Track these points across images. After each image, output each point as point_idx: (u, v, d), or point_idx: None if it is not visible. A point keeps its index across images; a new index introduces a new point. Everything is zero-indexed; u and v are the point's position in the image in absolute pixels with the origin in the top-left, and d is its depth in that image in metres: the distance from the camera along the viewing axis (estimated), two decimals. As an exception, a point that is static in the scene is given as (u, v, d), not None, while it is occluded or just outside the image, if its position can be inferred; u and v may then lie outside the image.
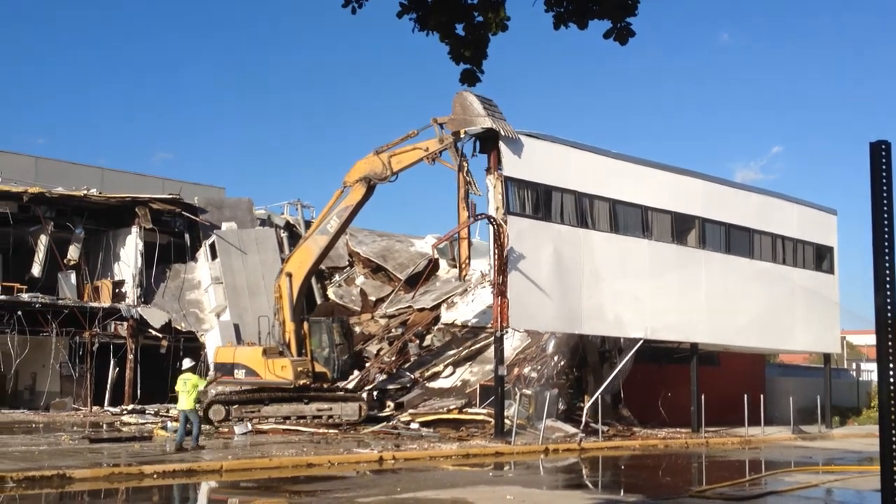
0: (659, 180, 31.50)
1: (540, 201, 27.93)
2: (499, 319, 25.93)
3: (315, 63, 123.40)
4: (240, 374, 27.17)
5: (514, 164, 26.97)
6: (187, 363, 21.78)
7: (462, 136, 26.43)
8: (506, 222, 26.34)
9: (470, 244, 27.78)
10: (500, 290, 26.03)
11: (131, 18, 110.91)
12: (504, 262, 26.13)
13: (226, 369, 27.40)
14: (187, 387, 20.48)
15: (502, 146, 26.54)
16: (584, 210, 29.08)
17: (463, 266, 27.41)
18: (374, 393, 31.83)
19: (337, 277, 40.27)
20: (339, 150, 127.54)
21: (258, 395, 27.00)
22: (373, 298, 39.21)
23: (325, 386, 28.03)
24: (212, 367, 30.18)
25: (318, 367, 27.94)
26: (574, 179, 28.90)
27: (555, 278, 27.72)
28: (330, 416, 26.91)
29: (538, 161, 28.01)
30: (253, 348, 28.26)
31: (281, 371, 26.81)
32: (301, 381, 27.09)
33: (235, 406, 26.84)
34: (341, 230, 28.65)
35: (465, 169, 26.49)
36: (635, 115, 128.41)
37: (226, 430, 25.58)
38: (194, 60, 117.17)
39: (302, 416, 26.80)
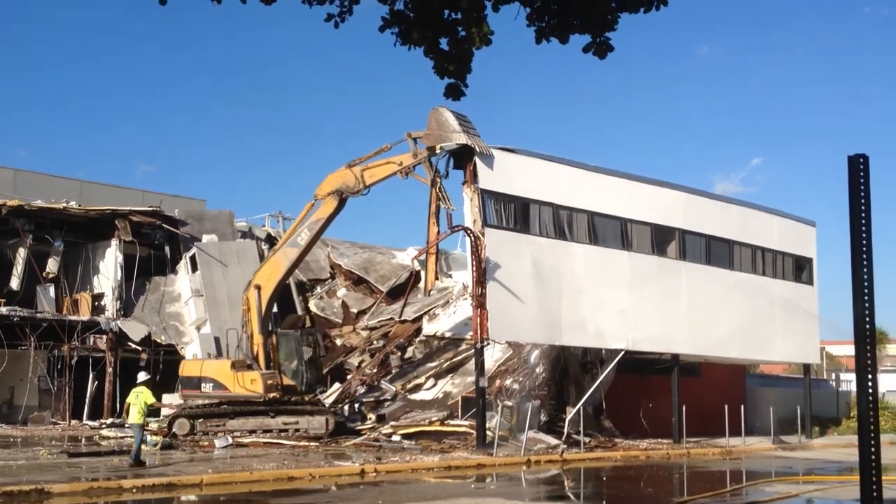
0: (638, 192, 31.67)
1: (518, 214, 28.08)
2: (478, 331, 25.96)
3: (297, 75, 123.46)
4: (207, 388, 26.76)
5: (490, 177, 27.09)
6: (142, 376, 21.25)
7: (438, 151, 26.49)
8: (483, 234, 26.43)
9: (438, 259, 27.89)
10: (479, 302, 26.05)
11: (113, 30, 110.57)
12: (482, 274, 26.18)
13: (193, 383, 27.01)
14: (139, 400, 20.06)
15: (477, 161, 26.68)
16: (563, 222, 29.23)
17: (429, 281, 27.50)
18: (356, 405, 31.76)
19: (318, 289, 40.18)
20: (321, 162, 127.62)
21: (223, 408, 26.65)
22: (354, 310, 39.14)
23: (294, 399, 27.70)
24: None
25: (286, 381, 27.61)
26: (552, 192, 29.03)
27: (535, 290, 27.81)
28: (297, 430, 26.57)
29: (515, 175, 28.18)
30: (220, 361, 27.98)
31: (251, 384, 26.47)
32: (271, 395, 26.79)
33: (200, 420, 26.50)
34: (312, 243, 28.43)
35: (438, 184, 26.47)
36: (616, 126, 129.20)
37: (206, 443, 25.41)
38: (177, 72, 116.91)
39: (268, 429, 26.46)
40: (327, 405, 32.82)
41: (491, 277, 26.41)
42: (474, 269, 26.30)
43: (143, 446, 23.98)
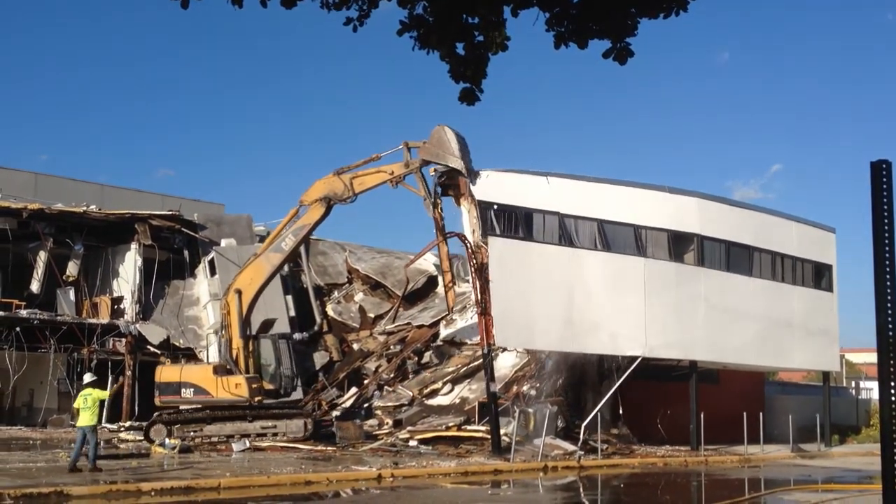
0: (653, 200, 31.71)
1: (521, 223, 28.45)
2: (484, 338, 26.11)
3: (316, 79, 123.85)
4: (188, 394, 26.40)
5: (487, 191, 27.46)
6: (88, 377, 20.57)
7: (433, 174, 26.78)
8: (486, 243, 26.62)
9: (454, 273, 27.96)
10: (484, 310, 26.22)
11: (134, 35, 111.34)
12: (485, 282, 26.36)
13: (172, 389, 26.56)
14: (88, 403, 19.29)
15: (468, 182, 27.00)
16: (570, 230, 29.47)
17: (450, 298, 27.69)
18: (373, 410, 31.79)
19: (336, 294, 40.24)
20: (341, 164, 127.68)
21: (200, 414, 26.39)
22: (372, 315, 39.18)
23: (280, 403, 27.50)
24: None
25: (265, 384, 27.38)
26: (555, 204, 29.45)
27: (544, 297, 27.90)
28: (275, 434, 26.40)
29: (513, 190, 28.59)
30: (201, 366, 27.75)
31: (236, 389, 26.16)
32: (257, 399, 26.58)
33: (177, 426, 26.20)
34: (296, 249, 28.28)
35: (439, 205, 26.76)
36: (635, 132, 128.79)
37: (223, 447, 25.48)
38: (196, 77, 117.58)
39: (246, 433, 26.26)
40: (343, 410, 32.93)
41: (499, 285, 26.48)
42: (474, 276, 26.51)
43: (161, 449, 24.22)
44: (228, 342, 27.07)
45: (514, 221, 28.14)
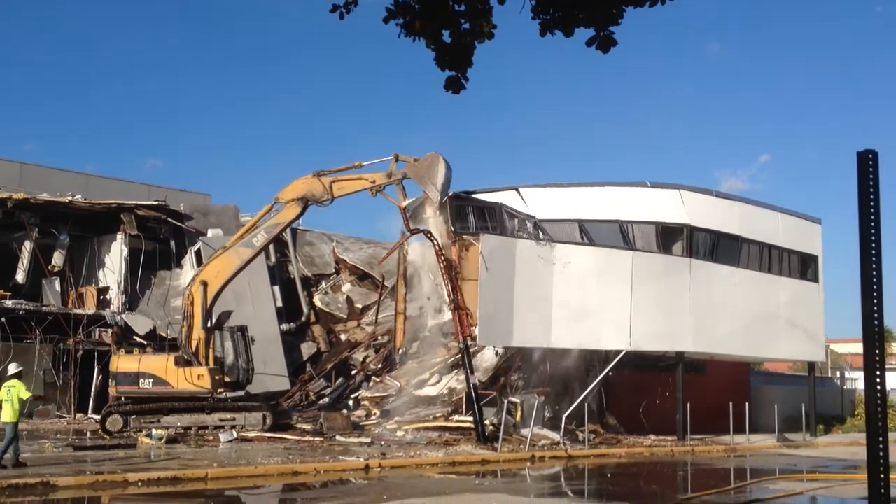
0: (638, 197, 32.06)
1: (497, 221, 29.01)
2: (459, 332, 26.48)
3: (305, 70, 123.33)
4: (146, 384, 26.00)
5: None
6: (13, 368, 19.22)
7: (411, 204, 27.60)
8: (455, 243, 27.28)
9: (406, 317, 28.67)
10: (456, 305, 26.59)
11: (124, 23, 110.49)
12: (454, 278, 26.84)
13: (129, 379, 26.13)
14: (11, 396, 18.12)
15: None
16: (549, 230, 30.12)
17: (398, 340, 28.48)
18: (361, 401, 31.78)
19: (323, 285, 40.19)
20: (327, 157, 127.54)
21: (157, 405, 26.01)
22: (359, 306, 39.15)
23: (244, 395, 27.41)
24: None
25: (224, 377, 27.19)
26: (531, 211, 30.30)
27: (525, 292, 28.12)
28: (233, 426, 26.17)
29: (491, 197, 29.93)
30: (161, 357, 27.32)
31: (198, 380, 25.93)
32: (220, 391, 26.42)
33: (134, 416, 25.87)
34: (266, 246, 28.18)
35: (409, 206, 27.45)
36: (623, 124, 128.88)
37: (211, 437, 25.43)
38: (185, 66, 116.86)
39: (203, 425, 26.03)
40: (330, 400, 32.93)
41: (481, 282, 26.95)
42: (443, 273, 26.86)
43: (147, 439, 24.13)
44: (188, 333, 26.66)
45: (491, 219, 28.91)
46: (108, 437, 24.91)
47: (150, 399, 26.10)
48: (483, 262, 27.10)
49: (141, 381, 26.05)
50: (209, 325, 26.87)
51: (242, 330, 28.17)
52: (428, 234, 26.86)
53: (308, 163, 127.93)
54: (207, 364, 26.43)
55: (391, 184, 26.78)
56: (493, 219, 29.10)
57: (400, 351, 29.32)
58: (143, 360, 27.01)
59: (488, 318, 26.77)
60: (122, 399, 26.38)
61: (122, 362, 26.78)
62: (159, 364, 26.46)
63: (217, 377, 26.40)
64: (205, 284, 26.70)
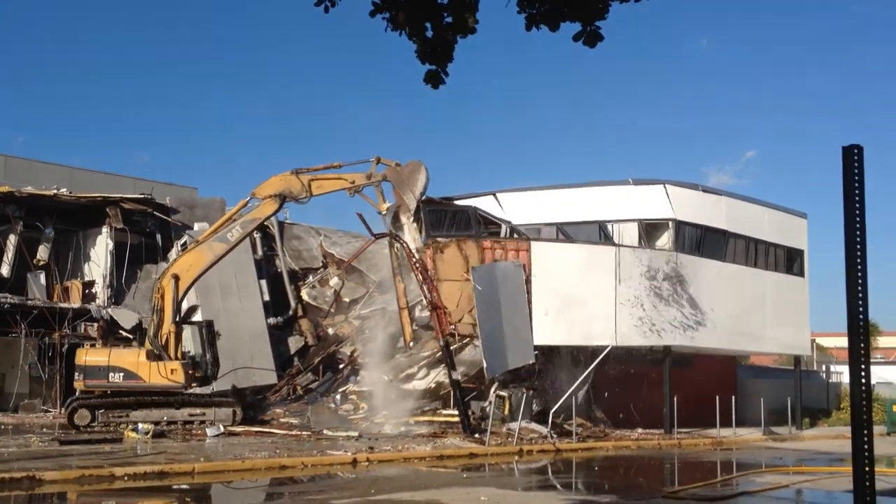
0: (623, 195, 32.36)
1: (472, 223, 29.42)
2: (438, 331, 26.90)
3: (293, 64, 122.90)
4: (117, 378, 25.71)
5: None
6: None
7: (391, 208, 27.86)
8: (429, 246, 28.27)
9: (411, 311, 28.67)
10: (433, 305, 27.14)
11: (111, 16, 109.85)
12: (429, 279, 27.55)
13: (99, 373, 25.82)
14: None
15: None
16: (526, 231, 30.61)
17: (406, 334, 28.20)
18: (348, 395, 31.75)
19: (311, 278, 40.10)
20: (313, 151, 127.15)
21: (125, 399, 25.77)
22: (347, 300, 39.08)
23: (216, 390, 27.37)
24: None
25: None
26: (507, 216, 31.04)
27: (507, 292, 28.36)
28: (202, 422, 26.01)
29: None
30: (132, 350, 27.12)
31: (172, 375, 25.68)
32: (193, 385, 26.26)
33: (102, 410, 25.63)
34: (241, 242, 28.05)
35: (389, 211, 27.71)
36: (609, 119, 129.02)
37: (199, 432, 25.37)
38: (172, 59, 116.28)
39: (173, 420, 25.83)
40: (317, 394, 32.88)
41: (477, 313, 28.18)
42: (418, 276, 27.28)
43: (134, 434, 24.07)
44: (158, 326, 26.32)
45: (466, 222, 29.41)
46: (76, 432, 24.58)
47: (121, 393, 25.81)
48: (477, 293, 27.73)
49: (111, 375, 25.73)
50: (178, 318, 26.60)
51: (209, 324, 28.03)
52: (397, 238, 27.13)
53: (295, 157, 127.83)
54: (177, 358, 26.19)
55: (370, 185, 27.06)
56: (468, 225, 29.59)
57: (410, 345, 29.37)
58: (114, 353, 26.71)
59: (489, 349, 27.23)
60: (85, 393, 26.00)
61: (91, 356, 26.50)
62: (130, 358, 26.13)
63: (190, 372, 26.25)
64: (176, 278, 26.33)
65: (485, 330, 26.70)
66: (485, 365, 25.98)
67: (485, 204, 31.52)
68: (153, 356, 25.95)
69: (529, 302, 29.57)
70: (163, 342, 26.14)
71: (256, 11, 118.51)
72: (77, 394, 26.29)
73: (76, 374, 26.27)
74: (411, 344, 29.38)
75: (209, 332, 27.58)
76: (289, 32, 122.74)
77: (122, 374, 25.74)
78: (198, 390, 27.01)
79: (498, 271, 28.93)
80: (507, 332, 28.15)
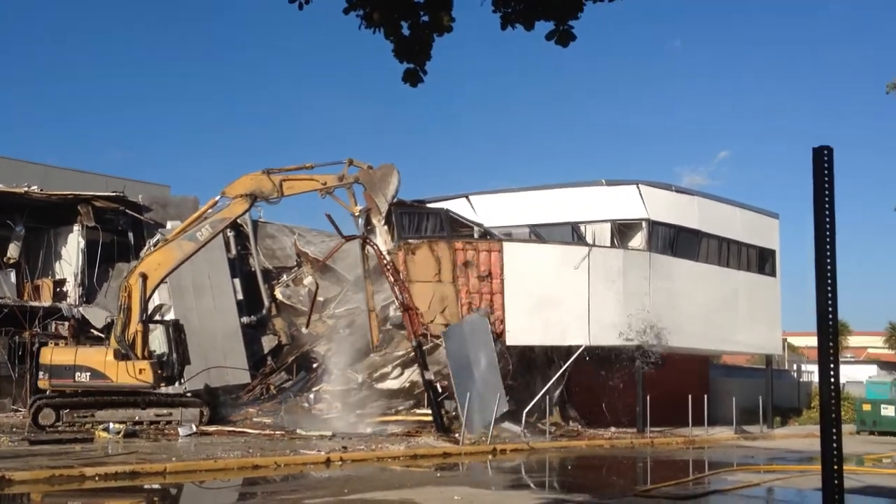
0: (596, 196, 32.51)
1: (444, 225, 30.10)
2: (410, 332, 27.38)
3: (266, 62, 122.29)
4: (83, 378, 25.37)
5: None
6: None
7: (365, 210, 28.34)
8: (401, 248, 28.83)
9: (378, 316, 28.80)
10: (405, 306, 27.64)
11: (84, 14, 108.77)
12: (401, 280, 28.04)
13: (65, 372, 25.44)
14: None
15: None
16: (496, 233, 30.79)
17: (374, 337, 28.14)
18: (322, 394, 31.65)
19: (285, 277, 39.93)
20: (288, 151, 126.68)
21: (90, 399, 25.46)
22: (321, 299, 38.91)
23: (185, 391, 27.25)
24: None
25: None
26: (482, 218, 31.44)
27: (475, 345, 28.50)
28: (169, 422, 25.79)
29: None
30: (98, 349, 26.76)
31: (140, 374, 25.37)
32: (161, 385, 26.03)
33: (67, 410, 25.32)
34: (210, 241, 27.89)
35: (361, 214, 28.22)
36: (584, 120, 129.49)
37: (171, 431, 25.19)
38: (145, 57, 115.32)
39: (139, 421, 25.59)
40: (291, 394, 32.75)
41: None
42: (389, 277, 27.68)
43: (105, 433, 23.85)
44: (124, 325, 25.96)
45: (437, 225, 29.66)
46: (43, 431, 24.29)
47: (87, 393, 25.50)
48: (449, 354, 28.04)
49: (77, 374, 25.38)
50: (145, 317, 26.31)
51: (176, 323, 27.80)
52: (367, 241, 27.28)
53: (268, 156, 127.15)
54: (144, 357, 25.89)
55: (342, 187, 27.14)
56: (440, 227, 29.83)
57: (377, 347, 29.39)
58: (80, 352, 26.38)
59: (469, 408, 27.07)
60: (49, 392, 25.66)
61: (56, 355, 26.14)
62: (97, 357, 25.79)
63: (159, 371, 25.99)
64: (144, 277, 26.01)
65: (460, 393, 26.46)
66: (463, 423, 25.55)
67: (457, 206, 31.59)
68: (120, 355, 25.60)
69: (498, 351, 29.64)
70: (130, 341, 25.81)
71: (230, 10, 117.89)
72: (43, 393, 25.88)
73: (41, 373, 25.86)
74: (377, 346, 29.50)
75: (176, 331, 27.33)
76: (264, 31, 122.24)
77: (88, 374, 25.41)
78: (168, 390, 26.78)
79: (466, 326, 28.87)
80: (481, 388, 27.73)
